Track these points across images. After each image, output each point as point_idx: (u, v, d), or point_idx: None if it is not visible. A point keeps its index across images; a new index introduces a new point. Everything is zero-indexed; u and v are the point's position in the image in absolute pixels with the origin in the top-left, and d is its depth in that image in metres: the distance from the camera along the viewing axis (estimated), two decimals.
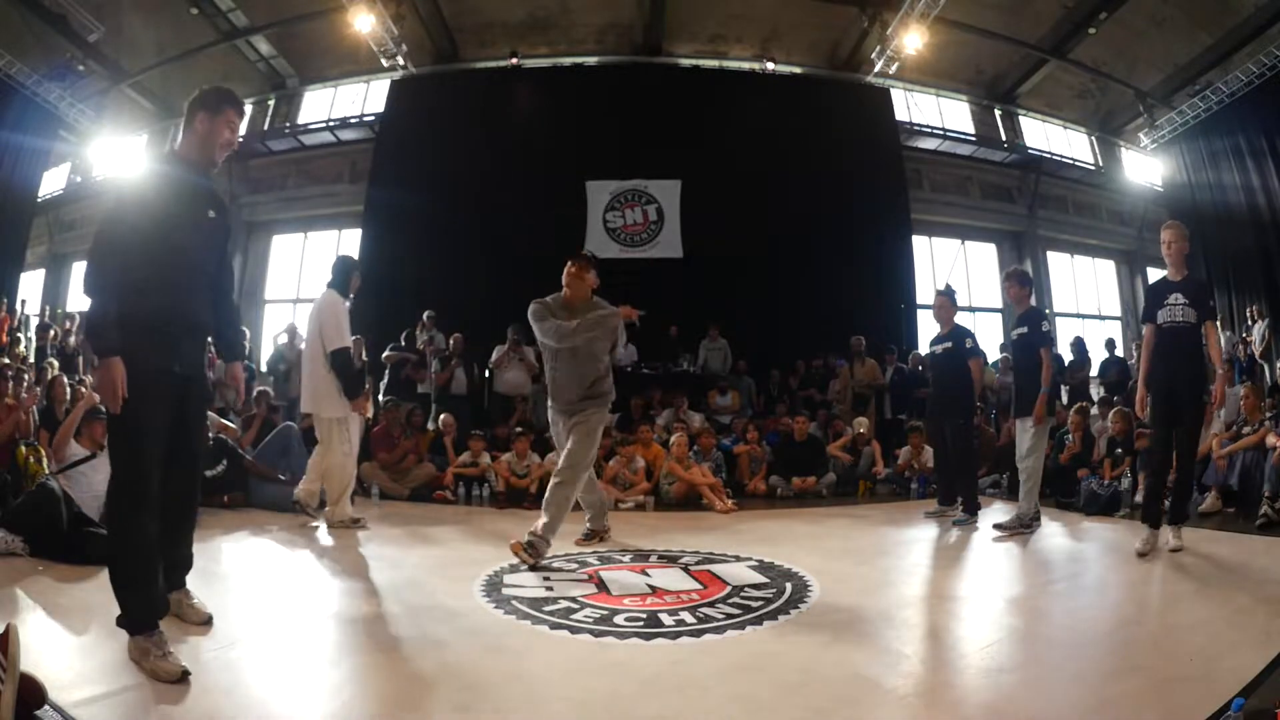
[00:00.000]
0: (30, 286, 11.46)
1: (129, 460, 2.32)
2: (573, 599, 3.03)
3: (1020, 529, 4.72)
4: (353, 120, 12.05)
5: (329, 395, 4.72)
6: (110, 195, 2.46)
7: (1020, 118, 12.67)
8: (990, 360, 8.71)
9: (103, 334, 2.24)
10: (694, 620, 2.77)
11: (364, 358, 8.07)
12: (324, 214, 12.18)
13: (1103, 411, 7.06)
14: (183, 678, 2.12)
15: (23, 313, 10.38)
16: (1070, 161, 12.75)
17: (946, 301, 5.76)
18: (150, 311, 2.31)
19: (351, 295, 4.96)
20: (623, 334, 4.17)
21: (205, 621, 2.62)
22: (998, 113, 12.55)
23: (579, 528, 4.43)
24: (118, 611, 2.27)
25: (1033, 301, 5.19)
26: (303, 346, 5.62)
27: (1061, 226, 12.75)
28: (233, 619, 2.74)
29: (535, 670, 2.31)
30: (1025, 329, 4.96)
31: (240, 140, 2.68)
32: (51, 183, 11.95)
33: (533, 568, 3.55)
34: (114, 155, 11.96)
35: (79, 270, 12.62)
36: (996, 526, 4.80)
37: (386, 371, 8.29)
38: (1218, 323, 4.15)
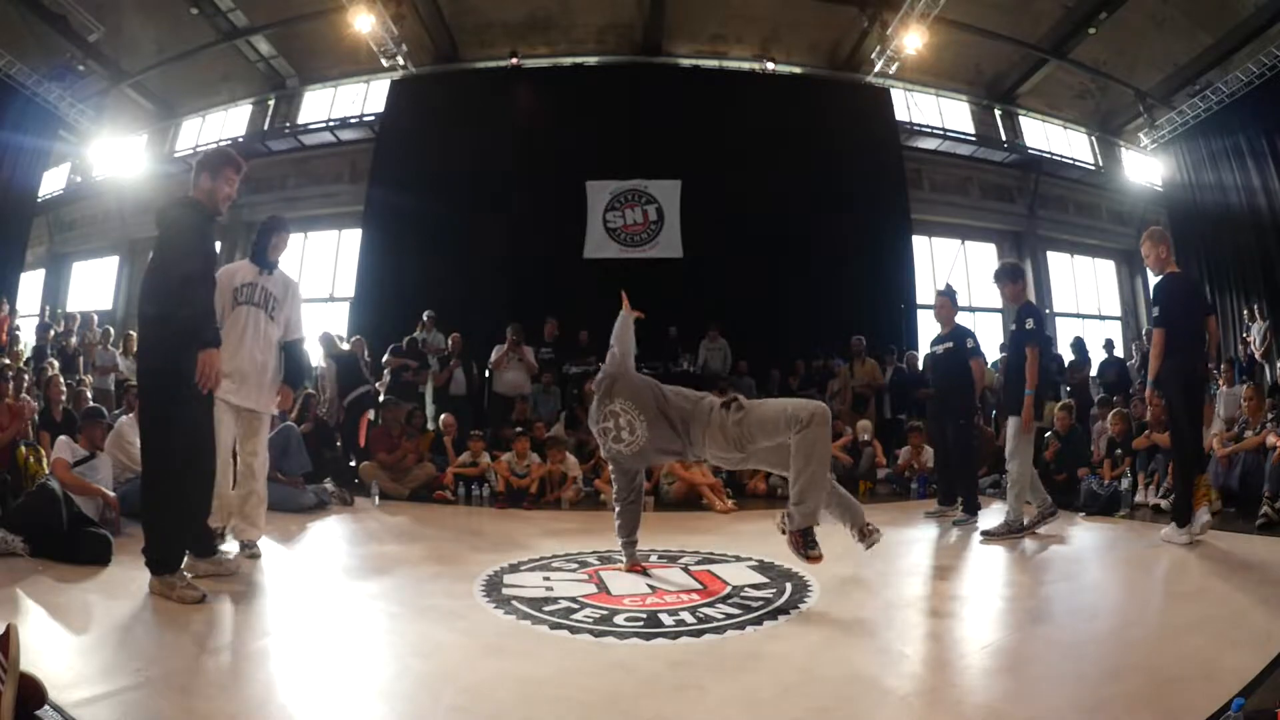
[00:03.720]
0: (30, 286, 11.47)
1: (200, 434, 3.11)
2: (573, 599, 3.03)
3: (1009, 534, 4.50)
4: (353, 120, 12.05)
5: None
6: (171, 234, 3.01)
7: (1020, 118, 12.67)
8: (990, 360, 8.70)
9: (208, 331, 2.96)
10: (694, 620, 2.77)
11: (366, 358, 8.09)
12: (324, 214, 12.18)
13: (1102, 412, 7.05)
14: (202, 600, 2.82)
15: (45, 318, 10.39)
16: (1070, 161, 12.74)
17: (947, 302, 5.75)
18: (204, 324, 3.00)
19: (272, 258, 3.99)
20: None
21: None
22: (998, 113, 12.55)
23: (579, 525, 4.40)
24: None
25: (1030, 296, 5.06)
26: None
27: (1061, 226, 12.75)
28: (231, 621, 2.75)
29: (535, 671, 2.30)
30: (1014, 325, 4.87)
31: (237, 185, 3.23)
32: (51, 183, 11.96)
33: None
34: (114, 155, 11.96)
35: (79, 271, 12.84)
36: (984, 533, 4.62)
37: (387, 374, 8.29)
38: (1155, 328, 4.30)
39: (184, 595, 2.83)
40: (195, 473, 3.14)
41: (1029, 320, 4.68)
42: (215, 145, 3.20)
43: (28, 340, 9.54)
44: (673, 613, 2.86)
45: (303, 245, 12.54)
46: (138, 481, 4.62)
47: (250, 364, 3.71)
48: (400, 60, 10.95)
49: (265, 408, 3.83)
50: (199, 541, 3.27)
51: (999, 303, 12.59)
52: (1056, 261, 12.84)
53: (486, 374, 8.51)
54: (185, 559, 3.10)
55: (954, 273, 12.29)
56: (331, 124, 12.11)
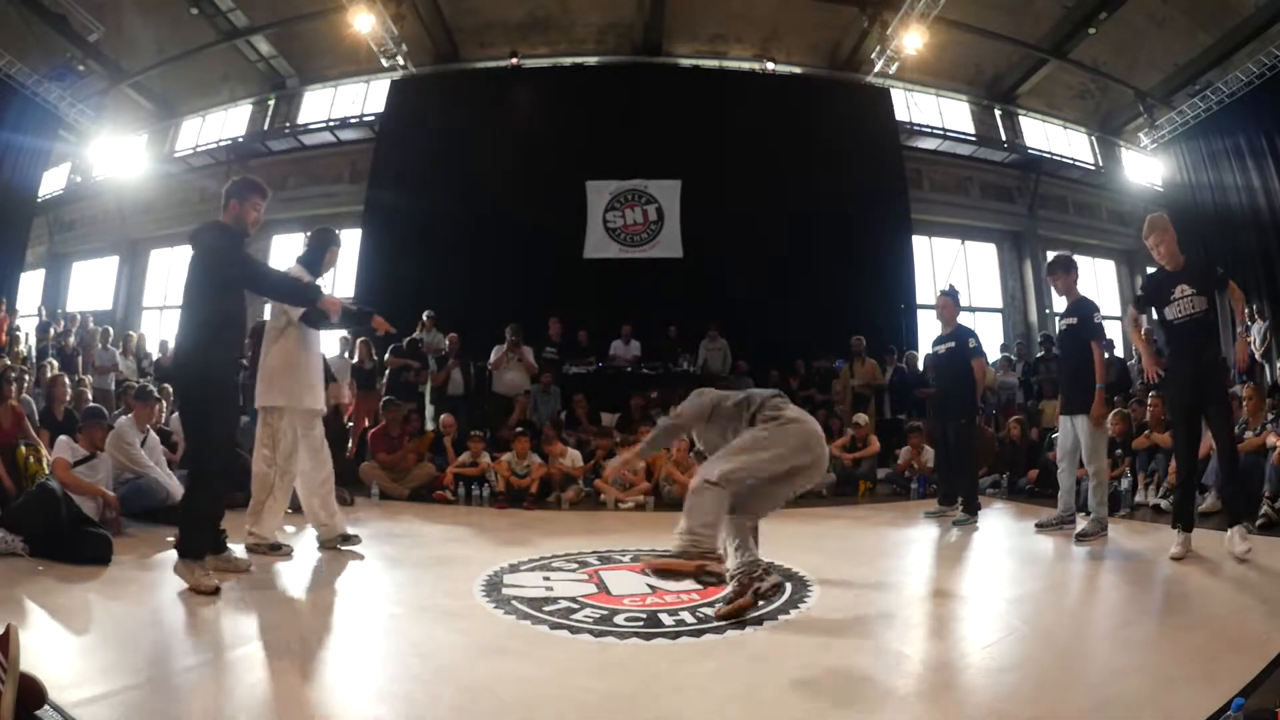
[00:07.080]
0: (30, 286, 11.47)
1: (230, 438, 3.45)
2: (573, 599, 3.03)
3: (1100, 532, 4.39)
4: (353, 120, 12.07)
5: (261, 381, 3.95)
6: (200, 254, 3.29)
7: (1020, 118, 12.68)
8: (991, 360, 8.71)
9: (309, 288, 3.62)
10: (694, 620, 2.77)
11: (374, 357, 8.10)
12: (324, 214, 12.10)
13: None
14: (215, 592, 2.99)
15: (45, 318, 10.37)
16: (1070, 161, 12.75)
17: (949, 302, 5.76)
18: (233, 340, 3.40)
19: (324, 272, 4.18)
20: None
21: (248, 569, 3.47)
22: (998, 113, 12.56)
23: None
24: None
25: (1080, 291, 4.87)
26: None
27: (1061, 226, 12.75)
28: (232, 621, 2.75)
29: (535, 670, 2.30)
30: (1075, 319, 4.68)
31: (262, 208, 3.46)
32: (51, 183, 11.97)
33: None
34: (114, 155, 11.97)
35: (79, 271, 12.85)
36: (1078, 536, 4.41)
37: (387, 373, 8.29)
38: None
39: (200, 582, 3.03)
40: (225, 473, 3.49)
41: (1097, 315, 4.67)
42: (243, 178, 3.20)
43: (27, 333, 9.54)
44: (673, 613, 2.86)
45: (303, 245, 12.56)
46: (138, 481, 4.65)
47: (312, 369, 4.06)
48: (400, 60, 10.96)
49: (321, 405, 4.13)
50: (216, 539, 3.44)
51: (999, 303, 12.67)
52: None
53: (487, 374, 8.51)
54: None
55: (954, 273, 12.31)
56: (331, 124, 12.13)
